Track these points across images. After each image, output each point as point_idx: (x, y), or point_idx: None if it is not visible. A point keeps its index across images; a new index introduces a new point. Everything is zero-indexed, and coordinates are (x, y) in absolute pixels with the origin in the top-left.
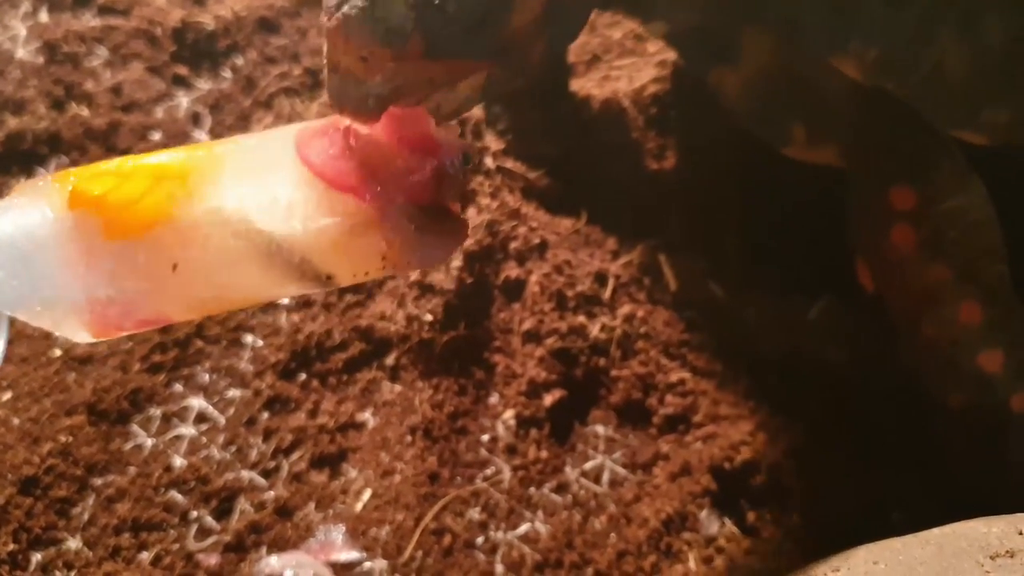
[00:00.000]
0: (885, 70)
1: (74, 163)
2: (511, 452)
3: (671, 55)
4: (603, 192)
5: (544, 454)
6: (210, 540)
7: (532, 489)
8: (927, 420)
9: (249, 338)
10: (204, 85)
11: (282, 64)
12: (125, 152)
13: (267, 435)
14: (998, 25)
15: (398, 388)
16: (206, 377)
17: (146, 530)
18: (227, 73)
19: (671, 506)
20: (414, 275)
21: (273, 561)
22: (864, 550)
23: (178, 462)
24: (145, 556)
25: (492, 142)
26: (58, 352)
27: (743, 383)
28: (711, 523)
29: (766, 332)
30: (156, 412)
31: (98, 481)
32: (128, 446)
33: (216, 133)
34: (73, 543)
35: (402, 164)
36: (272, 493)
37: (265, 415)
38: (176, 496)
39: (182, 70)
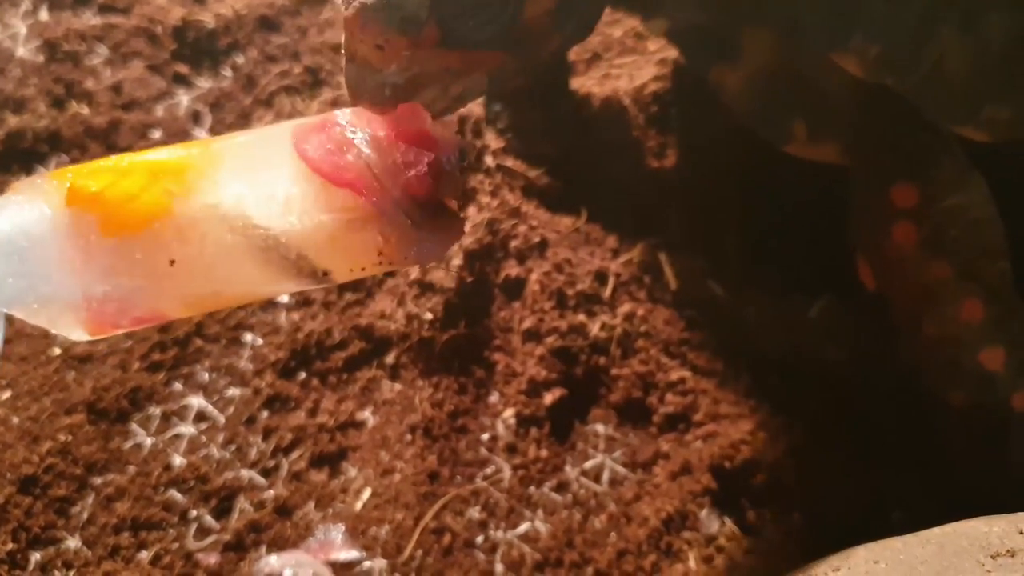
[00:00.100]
0: (886, 67)
1: (74, 161)
2: (511, 451)
3: (671, 53)
4: (603, 190)
5: (544, 453)
6: (209, 539)
7: (532, 488)
8: (927, 419)
9: (249, 337)
10: (204, 83)
11: (283, 62)
12: (125, 151)
13: (267, 434)
14: (999, 22)
15: (398, 387)
16: (206, 376)
17: (145, 529)
18: (227, 71)
19: (671, 505)
20: (414, 274)
21: (273, 560)
22: (864, 549)
23: (177, 461)
24: (144, 555)
25: (492, 140)
26: (57, 351)
27: (743, 382)
28: (711, 522)
29: (766, 331)
30: (155, 411)
31: (97, 480)
32: (127, 445)
33: (216, 131)
34: (72, 542)
35: (399, 160)
36: (272, 492)
37: (265, 414)
38: (175, 495)
39: (183, 68)
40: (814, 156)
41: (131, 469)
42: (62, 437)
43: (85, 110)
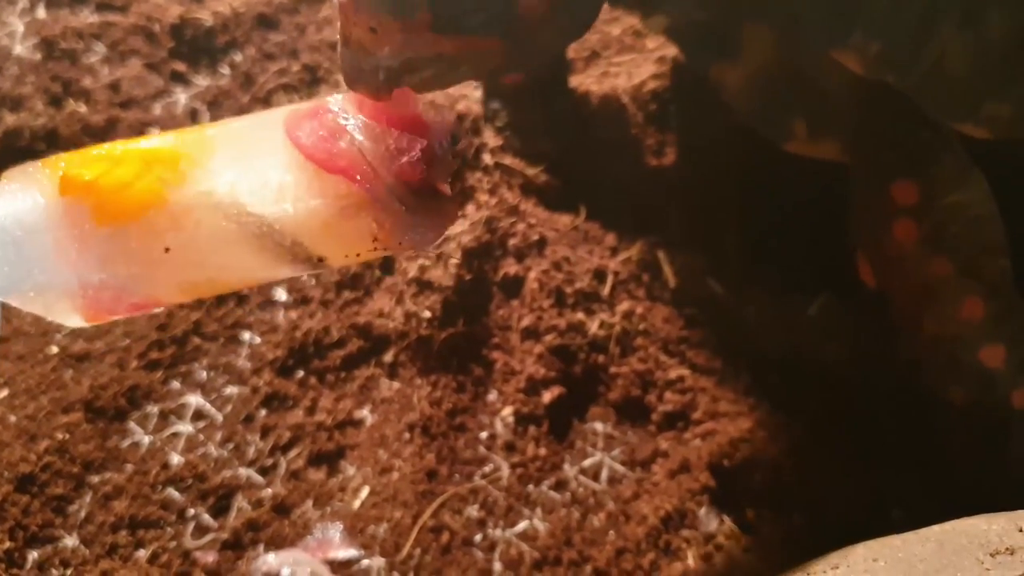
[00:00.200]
0: (887, 64)
1: None
2: (509, 449)
3: (670, 51)
4: (602, 189)
5: (543, 451)
6: (207, 538)
7: (531, 486)
8: (927, 418)
9: (247, 335)
10: (202, 82)
11: (280, 60)
12: None
13: (265, 432)
14: (1000, 19)
15: (396, 385)
16: (204, 374)
17: (143, 528)
18: (225, 70)
19: (670, 503)
20: (412, 272)
21: (270, 559)
22: (864, 547)
23: (175, 459)
24: (142, 554)
25: (490, 138)
26: (55, 349)
27: (742, 380)
28: (710, 520)
29: (765, 329)
30: (153, 409)
31: (95, 479)
32: (125, 443)
33: None
34: (70, 541)
35: (392, 145)
36: (270, 491)
37: (263, 412)
38: (173, 493)
39: (180, 67)
40: (814, 154)
41: (129, 467)
42: (60, 435)
43: (83, 108)
